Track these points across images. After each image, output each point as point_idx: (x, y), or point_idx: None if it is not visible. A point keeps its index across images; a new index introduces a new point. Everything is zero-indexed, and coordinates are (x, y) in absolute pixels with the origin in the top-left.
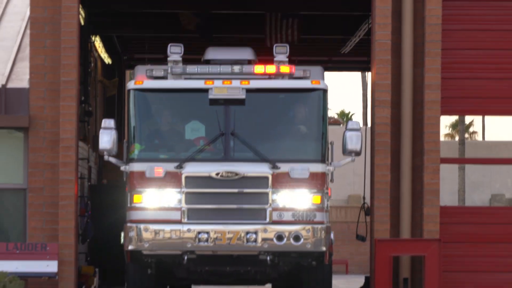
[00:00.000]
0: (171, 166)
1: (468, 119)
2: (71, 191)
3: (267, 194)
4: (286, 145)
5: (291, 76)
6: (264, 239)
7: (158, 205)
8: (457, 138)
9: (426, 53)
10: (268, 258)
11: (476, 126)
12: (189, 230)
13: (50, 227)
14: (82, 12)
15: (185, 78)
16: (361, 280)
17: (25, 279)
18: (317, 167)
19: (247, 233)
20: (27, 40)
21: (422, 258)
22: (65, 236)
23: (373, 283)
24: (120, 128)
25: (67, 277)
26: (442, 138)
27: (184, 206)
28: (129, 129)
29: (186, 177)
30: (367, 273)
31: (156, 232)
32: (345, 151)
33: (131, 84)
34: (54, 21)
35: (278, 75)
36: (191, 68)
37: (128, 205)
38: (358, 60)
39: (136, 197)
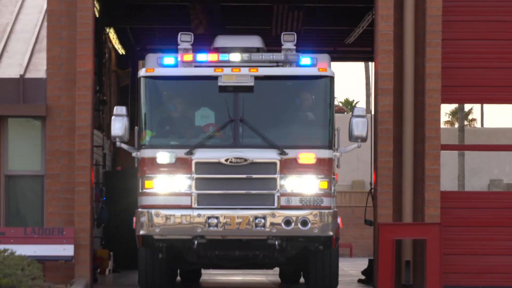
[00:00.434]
0: (181, 152)
1: (467, 107)
2: (86, 178)
3: (275, 179)
4: (293, 132)
5: (298, 64)
6: (272, 224)
7: (168, 191)
8: (456, 126)
9: (427, 43)
10: (276, 242)
11: (475, 114)
12: (199, 215)
13: (66, 212)
14: (97, 4)
15: (195, 66)
16: (365, 263)
17: (43, 262)
18: (324, 153)
19: (256, 218)
20: (44, 32)
21: (423, 242)
22: (81, 220)
23: (376, 266)
24: (132, 116)
25: (83, 260)
26: (442, 125)
27: (194, 191)
28: (140, 116)
29: (196, 163)
30: (371, 256)
31: (167, 217)
32: (352, 137)
33: (142, 72)
34: (70, 14)
35: (285, 63)
36: (201, 56)
37: (140, 190)
38: (362, 50)
39: (147, 183)
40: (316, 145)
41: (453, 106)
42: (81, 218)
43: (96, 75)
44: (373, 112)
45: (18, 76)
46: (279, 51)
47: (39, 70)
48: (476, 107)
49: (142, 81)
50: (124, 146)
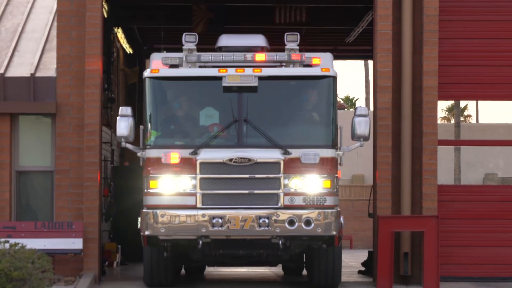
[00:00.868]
0: (186, 152)
1: (463, 103)
2: (95, 173)
3: (279, 179)
4: (297, 131)
5: (302, 63)
6: (276, 224)
7: (173, 191)
8: (453, 121)
9: (424, 42)
10: (280, 242)
11: (471, 110)
12: (203, 216)
13: (75, 207)
14: (105, 5)
15: (200, 66)
16: (364, 255)
17: (52, 255)
18: (327, 152)
19: (260, 218)
20: (54, 31)
21: (421, 234)
22: (89, 215)
23: (376, 257)
24: (139, 114)
25: (92, 254)
26: (439, 121)
27: (199, 191)
28: (145, 116)
29: (201, 163)
30: (370, 248)
31: (172, 218)
32: (354, 136)
33: (147, 73)
34: (80, 14)
35: (289, 63)
36: (205, 56)
37: (145, 190)
38: (362, 49)
39: (152, 183)
40: (319, 144)
41: (450, 102)
42: (89, 212)
43: (104, 74)
44: (372, 109)
45: (29, 75)
46: (283, 50)
47: (49, 69)
48: (472, 103)
49: (147, 81)
50: (129, 146)
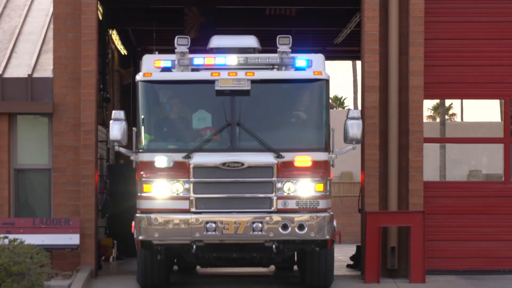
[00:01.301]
0: (179, 156)
1: (448, 102)
2: (91, 171)
3: (272, 183)
4: (290, 135)
5: (294, 66)
6: (269, 228)
7: (167, 195)
8: (438, 120)
9: (410, 43)
10: (274, 245)
11: (455, 109)
12: (197, 220)
13: (72, 204)
14: (100, 8)
15: (192, 69)
16: (353, 249)
17: (50, 251)
18: (320, 156)
19: (253, 222)
20: (50, 33)
21: (408, 229)
22: (86, 211)
23: (364, 252)
24: (134, 115)
25: (88, 249)
26: (425, 120)
27: (192, 195)
28: (138, 119)
29: (194, 167)
30: (359, 243)
31: (165, 222)
32: (347, 139)
33: (140, 76)
34: (75, 17)
35: (281, 65)
36: (198, 60)
37: (138, 193)
38: (350, 50)
39: (145, 187)
40: (312, 147)
41: (435, 101)
42: (86, 209)
43: (100, 74)
44: (360, 108)
45: (26, 76)
46: (274, 51)
47: (46, 70)
48: (456, 102)
49: (140, 85)
50: (122, 150)
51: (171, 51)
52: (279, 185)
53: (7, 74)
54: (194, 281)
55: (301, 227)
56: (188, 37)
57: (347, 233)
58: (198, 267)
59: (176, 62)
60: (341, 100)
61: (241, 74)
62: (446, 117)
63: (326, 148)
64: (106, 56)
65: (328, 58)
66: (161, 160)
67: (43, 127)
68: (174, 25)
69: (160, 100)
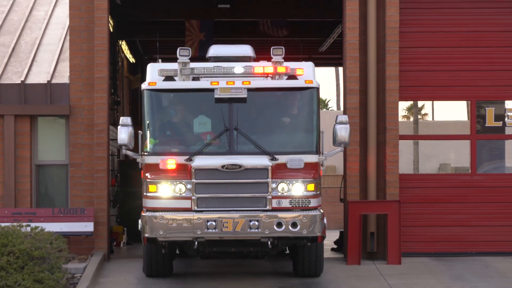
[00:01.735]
0: (181, 159)
1: (420, 103)
2: (104, 166)
3: (267, 183)
4: (283, 138)
5: (287, 75)
6: (265, 226)
7: (170, 195)
8: (412, 119)
9: (387, 51)
10: (269, 241)
11: (427, 109)
12: (198, 219)
13: (87, 195)
14: (111, 21)
15: (193, 78)
16: (336, 234)
17: (68, 237)
18: (311, 158)
19: (250, 220)
20: (67, 44)
21: (385, 216)
22: (99, 202)
23: (346, 236)
24: (141, 116)
25: (101, 235)
26: (400, 119)
27: (193, 195)
28: (144, 124)
29: (195, 170)
30: (342, 229)
31: (169, 221)
32: (335, 142)
33: (145, 85)
34: (89, 29)
35: (275, 75)
36: (199, 70)
37: (144, 193)
38: (333, 57)
39: (151, 187)
40: (303, 150)
41: (409, 103)
42: (99, 199)
43: (111, 80)
44: (342, 109)
45: (46, 82)
46: (266, 58)
47: (63, 77)
48: (428, 103)
49: (145, 93)
50: (129, 153)
51: (174, 59)
52: (273, 185)
53: (29, 81)
54: (193, 264)
55: (294, 224)
56: (189, 48)
57: (331, 220)
58: None
59: (178, 72)
60: (326, 102)
61: (238, 83)
62: (419, 116)
63: (317, 151)
64: (117, 64)
65: (314, 65)
66: (165, 163)
67: (61, 127)
68: (176, 36)
69: (163, 107)
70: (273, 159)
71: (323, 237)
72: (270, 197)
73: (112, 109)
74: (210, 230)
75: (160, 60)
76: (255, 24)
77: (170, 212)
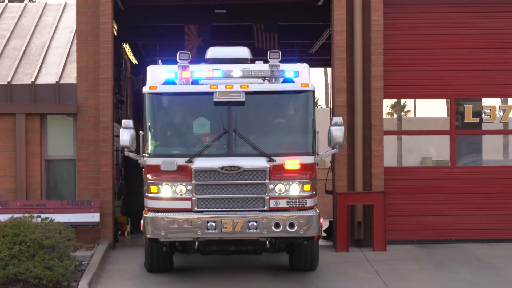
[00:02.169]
0: (182, 161)
1: (403, 101)
2: (109, 160)
3: (265, 184)
4: (280, 140)
5: (283, 76)
6: (263, 227)
7: (171, 195)
8: (395, 116)
9: (372, 52)
10: (267, 241)
11: (409, 106)
12: (199, 220)
13: (93, 188)
14: (115, 26)
15: (192, 82)
16: (326, 224)
17: (75, 227)
18: (307, 159)
19: (249, 221)
20: (74, 47)
21: (371, 206)
22: (105, 194)
23: (335, 225)
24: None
25: (107, 225)
26: (384, 116)
27: (194, 196)
28: (145, 126)
29: (196, 171)
30: (331, 218)
31: (171, 222)
32: (330, 143)
33: (146, 88)
34: (95, 33)
35: (272, 77)
36: (198, 73)
37: (146, 193)
38: (322, 59)
39: (152, 188)
40: (300, 152)
41: (393, 101)
42: (105, 192)
43: (115, 81)
44: (331, 107)
45: (54, 82)
46: (262, 58)
47: (70, 78)
48: (410, 101)
49: (146, 96)
50: (131, 154)
51: (174, 61)
52: (271, 186)
53: (39, 81)
54: (191, 260)
55: (291, 225)
56: (188, 52)
57: (321, 210)
58: None
59: (178, 76)
60: (315, 100)
61: (236, 87)
62: (402, 113)
63: (313, 152)
64: (121, 66)
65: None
66: (166, 164)
67: (69, 125)
68: (176, 40)
69: (164, 110)
70: (270, 160)
71: (319, 236)
72: (268, 197)
73: (116, 107)
74: (210, 231)
75: (160, 61)
76: (250, 28)
77: (171, 212)
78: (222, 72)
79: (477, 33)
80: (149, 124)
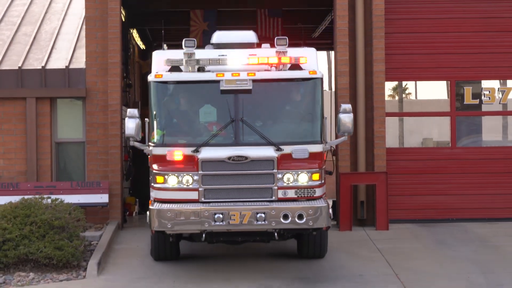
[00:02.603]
0: (188, 150)
1: (404, 83)
2: (117, 143)
3: (273, 174)
4: (288, 129)
5: (290, 64)
6: (272, 219)
7: (178, 186)
8: (397, 98)
9: (374, 36)
10: (275, 232)
11: (410, 89)
12: (206, 212)
13: (102, 169)
14: (123, 11)
15: (198, 69)
16: (330, 203)
17: (85, 208)
18: (316, 148)
19: (257, 213)
20: (83, 33)
21: (374, 186)
22: (113, 175)
23: (338, 205)
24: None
25: (115, 206)
26: (386, 98)
27: (201, 186)
28: (151, 115)
29: (202, 161)
30: (334, 198)
31: (177, 214)
32: (339, 131)
33: (151, 77)
34: (103, 19)
35: (279, 65)
36: (204, 61)
37: (151, 183)
38: (325, 43)
39: (158, 178)
40: (308, 140)
41: (394, 83)
42: (113, 173)
43: (123, 65)
44: (333, 89)
45: (64, 67)
46: (270, 43)
47: (80, 62)
48: (411, 84)
49: (152, 85)
50: (137, 144)
51: (179, 45)
52: (279, 176)
53: (49, 66)
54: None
55: (300, 216)
56: (194, 39)
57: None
58: None
59: (183, 62)
60: (323, 87)
61: (243, 75)
62: (403, 96)
63: (321, 140)
64: (128, 50)
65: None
66: (172, 154)
67: (78, 108)
68: (182, 25)
69: (170, 99)
70: (278, 149)
71: (328, 227)
72: (276, 187)
73: (124, 91)
74: (217, 223)
75: (165, 46)
76: (254, 13)
77: (178, 204)
78: (227, 60)
79: (476, 17)
80: (154, 112)
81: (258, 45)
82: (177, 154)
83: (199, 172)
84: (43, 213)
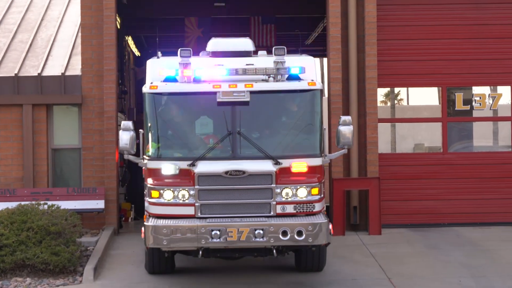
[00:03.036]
0: (184, 164)
1: (396, 90)
2: (113, 149)
3: (271, 189)
4: (287, 142)
5: (288, 73)
6: (270, 235)
7: (173, 201)
8: (389, 104)
9: (366, 43)
10: (274, 249)
11: (402, 95)
12: (202, 228)
13: (98, 175)
14: (118, 19)
15: (194, 80)
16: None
17: (81, 214)
18: (315, 161)
19: (255, 229)
20: (79, 40)
21: (367, 191)
22: (109, 181)
23: (332, 210)
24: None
25: (111, 211)
26: (378, 104)
27: (197, 201)
28: (146, 127)
29: (199, 176)
30: (328, 203)
31: (173, 231)
32: (339, 144)
33: (146, 88)
34: (98, 26)
35: (277, 74)
36: (199, 71)
37: (147, 198)
38: (318, 49)
39: (153, 193)
40: (307, 154)
41: (386, 89)
42: (109, 179)
43: (118, 72)
44: (326, 95)
45: (60, 74)
46: (267, 50)
47: (75, 69)
48: (403, 90)
49: (147, 96)
50: (131, 157)
51: (174, 53)
52: (277, 190)
53: (45, 73)
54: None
55: (299, 233)
56: (190, 49)
57: None
58: None
59: (179, 74)
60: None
61: (240, 86)
62: (396, 102)
63: (320, 154)
64: (124, 57)
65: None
66: (167, 168)
67: (74, 115)
68: (177, 32)
69: (165, 111)
70: (276, 163)
71: (328, 243)
72: (275, 202)
73: (120, 98)
74: (214, 240)
75: (160, 53)
76: (248, 20)
77: (174, 219)
78: (226, 70)
79: (467, 24)
80: (149, 124)
81: (255, 53)
82: (173, 168)
83: (196, 186)
84: (39, 219)
